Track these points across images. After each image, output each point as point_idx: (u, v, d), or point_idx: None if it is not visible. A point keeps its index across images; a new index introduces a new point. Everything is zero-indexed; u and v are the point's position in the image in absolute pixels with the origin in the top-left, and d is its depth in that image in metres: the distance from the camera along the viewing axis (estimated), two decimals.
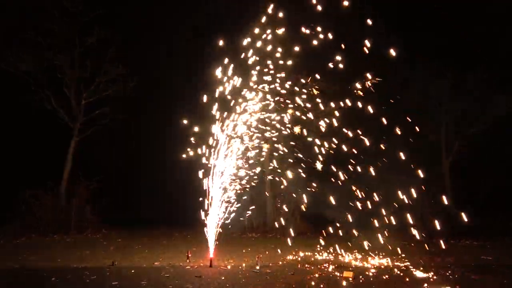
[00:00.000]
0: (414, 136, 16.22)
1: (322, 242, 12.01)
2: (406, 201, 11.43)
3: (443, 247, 11.61)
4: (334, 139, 13.42)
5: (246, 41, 12.45)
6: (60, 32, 16.86)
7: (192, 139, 10.80)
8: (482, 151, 17.90)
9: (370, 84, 13.43)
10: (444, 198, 14.26)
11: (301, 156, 15.01)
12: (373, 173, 12.29)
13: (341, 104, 13.55)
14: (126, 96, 18.13)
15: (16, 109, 17.85)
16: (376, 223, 11.40)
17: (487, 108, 17.56)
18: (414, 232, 11.35)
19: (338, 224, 13.26)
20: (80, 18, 17.11)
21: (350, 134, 12.69)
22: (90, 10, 17.07)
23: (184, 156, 10.75)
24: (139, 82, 18.41)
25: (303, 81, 15.22)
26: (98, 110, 18.28)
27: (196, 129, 10.62)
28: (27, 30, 16.26)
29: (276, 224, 17.00)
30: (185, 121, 11.12)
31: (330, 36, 12.21)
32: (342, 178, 13.12)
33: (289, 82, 14.50)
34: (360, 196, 12.66)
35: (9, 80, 16.87)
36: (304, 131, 14.48)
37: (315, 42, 12.44)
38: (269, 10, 12.33)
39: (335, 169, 13.39)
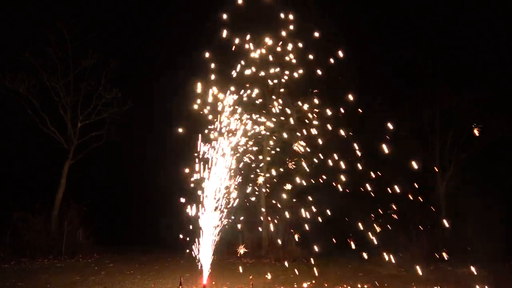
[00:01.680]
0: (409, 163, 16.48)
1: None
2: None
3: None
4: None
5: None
6: (55, 55, 17.03)
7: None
8: (477, 175, 17.97)
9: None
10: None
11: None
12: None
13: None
14: (121, 119, 18.20)
15: (9, 130, 17.82)
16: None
17: (479, 132, 17.76)
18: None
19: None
20: (74, 41, 17.28)
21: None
22: (84, 34, 17.27)
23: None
24: (135, 105, 18.54)
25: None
26: (93, 133, 18.25)
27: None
28: (23, 53, 16.37)
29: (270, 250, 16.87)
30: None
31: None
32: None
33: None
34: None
35: (4, 101, 16.92)
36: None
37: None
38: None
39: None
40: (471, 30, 18.14)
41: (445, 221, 15.74)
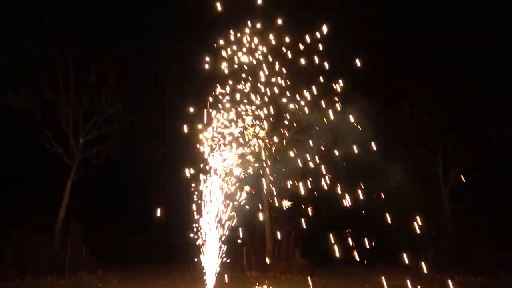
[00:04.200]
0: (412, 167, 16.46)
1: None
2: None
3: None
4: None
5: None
6: (58, 70, 17.14)
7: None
8: (481, 181, 17.89)
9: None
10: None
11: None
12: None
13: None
14: (123, 133, 18.28)
15: (11, 146, 17.85)
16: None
17: (480, 139, 17.74)
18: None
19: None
20: (77, 56, 17.45)
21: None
22: (87, 48, 17.42)
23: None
24: (137, 119, 18.60)
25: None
26: (95, 148, 18.27)
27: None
28: (26, 69, 16.51)
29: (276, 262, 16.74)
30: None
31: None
32: None
33: None
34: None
35: (7, 119, 17.00)
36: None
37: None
38: None
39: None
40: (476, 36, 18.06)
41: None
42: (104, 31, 17.49)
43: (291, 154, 14.78)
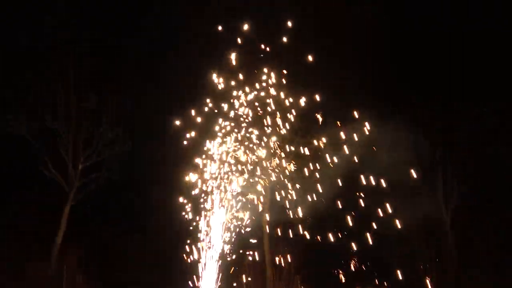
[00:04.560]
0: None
1: None
2: None
3: None
4: None
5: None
6: (59, 96, 17.33)
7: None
8: (482, 207, 17.66)
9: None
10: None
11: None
12: None
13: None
14: (123, 158, 18.25)
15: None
16: None
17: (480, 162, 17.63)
18: None
19: None
20: (78, 82, 17.64)
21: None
22: (88, 75, 17.65)
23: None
24: (136, 142, 18.60)
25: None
26: (93, 174, 18.18)
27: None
28: (27, 96, 16.68)
29: None
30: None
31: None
32: None
33: None
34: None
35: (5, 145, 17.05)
36: None
37: None
38: None
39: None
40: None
41: None
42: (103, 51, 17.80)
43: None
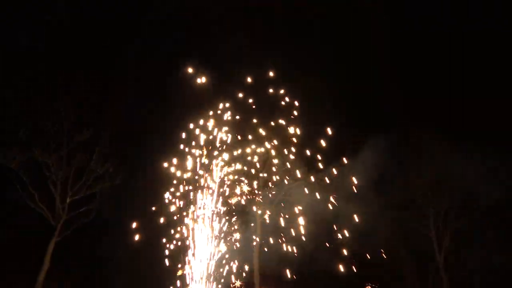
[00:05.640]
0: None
1: None
2: None
3: None
4: None
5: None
6: (50, 131, 17.20)
7: None
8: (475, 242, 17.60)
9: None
10: None
11: None
12: None
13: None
14: (112, 193, 17.95)
15: None
16: None
17: (471, 201, 17.70)
18: None
19: None
20: (69, 119, 17.56)
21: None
22: (79, 112, 17.60)
23: None
24: (126, 174, 18.35)
25: None
26: (82, 208, 17.77)
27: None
28: (18, 131, 16.52)
29: None
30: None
31: None
32: None
33: None
34: None
35: None
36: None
37: None
38: None
39: None
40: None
41: None
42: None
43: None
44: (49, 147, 17.16)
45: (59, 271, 17.13)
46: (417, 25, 19.61)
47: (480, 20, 19.35)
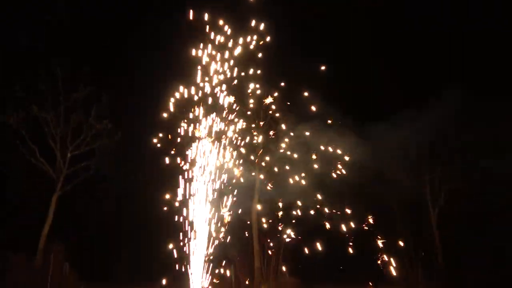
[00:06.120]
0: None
1: None
2: None
3: None
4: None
5: None
6: (47, 90, 17.06)
7: None
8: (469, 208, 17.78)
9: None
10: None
11: None
12: None
13: None
14: (111, 150, 18.03)
15: None
16: None
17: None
18: None
19: None
20: (66, 78, 17.37)
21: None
22: (76, 69, 17.37)
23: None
24: (124, 136, 18.39)
25: None
26: (82, 163, 17.95)
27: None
28: (14, 88, 16.37)
29: None
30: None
31: None
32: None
33: None
34: None
35: None
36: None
37: None
38: None
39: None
40: None
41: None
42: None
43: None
44: (46, 103, 17.14)
45: (61, 227, 17.53)
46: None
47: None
